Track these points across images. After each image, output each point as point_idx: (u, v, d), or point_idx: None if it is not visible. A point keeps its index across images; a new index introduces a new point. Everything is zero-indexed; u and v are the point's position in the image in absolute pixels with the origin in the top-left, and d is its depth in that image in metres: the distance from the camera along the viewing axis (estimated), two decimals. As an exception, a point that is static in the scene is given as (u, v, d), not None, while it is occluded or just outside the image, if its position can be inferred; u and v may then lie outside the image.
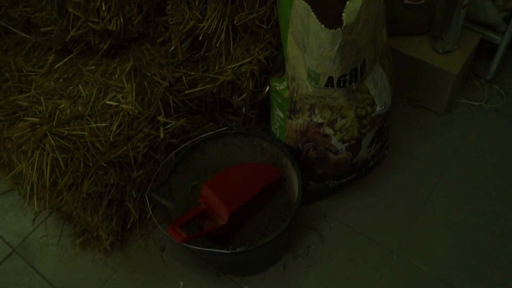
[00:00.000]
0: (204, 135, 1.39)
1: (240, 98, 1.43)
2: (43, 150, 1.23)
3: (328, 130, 1.25)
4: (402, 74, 1.64)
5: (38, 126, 1.26)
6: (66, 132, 1.25)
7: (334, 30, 0.97)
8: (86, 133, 1.25)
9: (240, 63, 1.37)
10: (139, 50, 1.40)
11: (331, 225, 1.47)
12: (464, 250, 1.40)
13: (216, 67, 1.38)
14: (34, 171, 1.23)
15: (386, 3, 1.52)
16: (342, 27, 0.97)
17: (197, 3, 1.23)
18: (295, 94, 1.20)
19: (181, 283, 1.41)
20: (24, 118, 1.28)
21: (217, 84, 1.38)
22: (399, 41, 1.61)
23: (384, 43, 1.20)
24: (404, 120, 1.67)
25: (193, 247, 1.20)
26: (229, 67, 1.37)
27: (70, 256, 1.48)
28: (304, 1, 1.00)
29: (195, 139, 1.39)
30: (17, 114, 1.29)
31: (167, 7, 1.29)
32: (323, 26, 0.98)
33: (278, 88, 1.26)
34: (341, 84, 1.10)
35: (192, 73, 1.38)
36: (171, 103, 1.37)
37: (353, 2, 0.99)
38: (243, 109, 1.46)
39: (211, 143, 1.41)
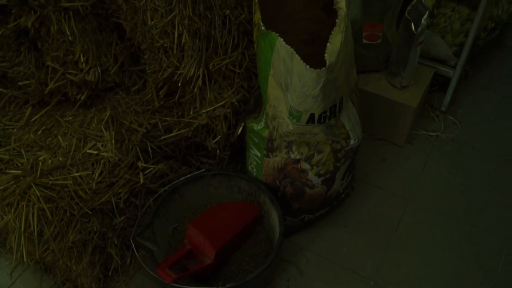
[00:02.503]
0: (184, 177, 1.43)
1: (214, 141, 1.49)
2: (29, 201, 1.24)
3: (305, 165, 1.33)
4: (363, 109, 1.74)
5: (21, 178, 1.27)
6: (50, 182, 1.27)
7: (318, 69, 1.05)
8: (69, 182, 1.27)
9: (214, 106, 1.43)
10: (115, 99, 1.45)
11: (308, 258, 1.53)
12: (436, 271, 1.48)
13: (191, 112, 1.44)
14: (22, 222, 1.23)
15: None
16: (326, 66, 1.06)
17: (174, 51, 1.29)
18: (275, 133, 1.27)
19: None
20: (6, 171, 1.29)
21: (192, 128, 1.44)
22: (359, 79, 1.72)
23: (355, 79, 1.30)
24: (367, 153, 1.77)
25: (184, 286, 1.23)
26: (204, 111, 1.43)
27: (51, 307, 1.47)
28: (286, 45, 1.08)
29: (174, 182, 1.43)
30: (-2, 168, 1.30)
31: (145, 56, 1.35)
32: (307, 66, 1.06)
33: (255, 128, 1.33)
34: (321, 120, 1.18)
35: (168, 118, 1.43)
36: (149, 149, 1.41)
37: (333, 44, 1.08)
38: (217, 152, 1.52)
39: (190, 185, 1.45)
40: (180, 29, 1.27)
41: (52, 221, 1.25)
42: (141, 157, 1.39)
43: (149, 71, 1.36)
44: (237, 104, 1.45)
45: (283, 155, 1.32)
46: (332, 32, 1.08)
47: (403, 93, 1.67)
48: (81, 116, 1.41)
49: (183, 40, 1.27)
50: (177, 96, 1.44)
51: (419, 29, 1.50)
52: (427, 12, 1.50)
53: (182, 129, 1.45)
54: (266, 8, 1.28)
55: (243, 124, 1.47)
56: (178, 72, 1.31)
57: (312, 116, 1.15)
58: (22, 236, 1.24)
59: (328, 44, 1.07)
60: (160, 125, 1.44)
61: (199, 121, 1.43)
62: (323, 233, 1.58)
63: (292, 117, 1.18)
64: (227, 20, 1.35)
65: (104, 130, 1.36)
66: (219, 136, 1.49)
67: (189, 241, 1.32)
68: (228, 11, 1.33)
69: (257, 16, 1.19)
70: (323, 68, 1.05)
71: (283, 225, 1.33)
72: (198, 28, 1.28)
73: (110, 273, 1.48)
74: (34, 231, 1.23)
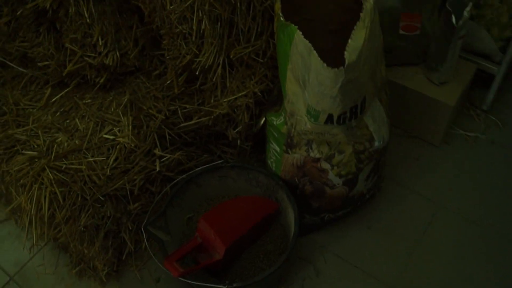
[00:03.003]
0: (201, 167, 1.39)
1: (235, 130, 1.44)
2: (42, 184, 1.24)
3: (325, 165, 1.26)
4: (397, 104, 1.64)
5: (36, 159, 1.27)
6: (64, 166, 1.26)
7: (336, 69, 0.98)
8: (83, 166, 1.26)
9: (236, 96, 1.38)
10: (135, 83, 1.42)
11: (326, 258, 1.47)
12: (464, 283, 1.39)
13: (212, 100, 1.39)
14: (33, 204, 1.23)
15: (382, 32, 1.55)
16: (345, 65, 0.98)
17: (193, 38, 1.24)
18: (293, 130, 1.21)
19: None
20: (23, 151, 1.29)
21: (212, 117, 1.39)
22: (394, 72, 1.62)
23: (383, 77, 1.21)
24: (399, 151, 1.67)
25: (190, 281, 1.21)
26: (225, 100, 1.38)
27: (66, 285, 1.48)
28: (305, 39, 1.01)
29: (191, 171, 1.39)
30: (15, 148, 1.30)
31: (164, 42, 1.30)
32: (325, 64, 0.98)
33: (275, 123, 1.27)
34: (341, 121, 1.10)
35: (187, 106, 1.39)
36: (167, 136, 1.38)
37: (355, 40, 1.00)
38: (238, 142, 1.47)
39: (207, 175, 1.41)
40: (200, 15, 1.21)
41: (64, 205, 1.24)
42: (158, 144, 1.36)
43: (167, 57, 1.31)
44: (260, 94, 1.39)
45: (302, 153, 1.25)
46: (355, 26, 0.99)
47: (441, 90, 1.56)
48: (100, 99, 1.39)
49: (202, 27, 1.22)
50: (198, 83, 1.39)
51: (461, 22, 1.38)
52: (470, 3, 1.38)
53: (203, 117, 1.41)
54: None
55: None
56: (197, 60, 1.26)
57: (330, 116, 1.08)
58: (34, 218, 1.24)
59: (349, 40, 0.99)
60: (179, 112, 1.40)
61: (219, 110, 1.38)
62: (344, 233, 1.51)
63: (309, 116, 1.11)
64: (251, 6, 1.28)
65: (121, 115, 1.34)
66: (240, 127, 1.44)
67: (200, 235, 1.29)
68: (253, -4, 1.27)
69: (277, 5, 1.11)
70: (341, 67, 0.97)
71: (298, 225, 1.27)
72: (220, 14, 1.22)
73: (124, 257, 1.47)
74: (45, 214, 1.23)
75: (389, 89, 1.33)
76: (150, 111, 1.37)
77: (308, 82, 1.04)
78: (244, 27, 1.29)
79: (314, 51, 0.99)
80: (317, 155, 1.24)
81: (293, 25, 1.02)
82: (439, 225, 1.50)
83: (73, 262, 1.48)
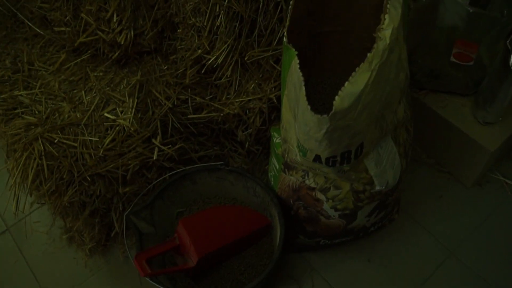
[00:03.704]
0: (196, 165, 1.33)
1: (245, 133, 1.35)
2: (31, 153, 1.22)
3: (320, 196, 1.15)
4: (434, 135, 1.48)
5: (33, 127, 1.25)
6: (57, 139, 1.23)
7: (319, 115, 0.86)
8: (76, 144, 1.23)
9: (249, 98, 1.28)
10: (150, 64, 1.35)
11: (315, 283, 1.38)
12: None
13: (224, 97, 1.31)
14: (19, 172, 1.22)
15: (431, 56, 1.38)
16: (330, 114, 0.86)
17: (206, 34, 1.15)
18: (286, 155, 1.10)
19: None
20: (23, 115, 1.27)
21: (221, 114, 1.31)
22: (438, 99, 1.45)
23: (399, 119, 1.07)
24: (425, 184, 1.52)
25: (155, 284, 1.17)
26: (237, 100, 1.29)
27: (56, 248, 1.49)
28: (299, 71, 0.89)
29: (188, 168, 1.33)
30: (16, 111, 1.28)
31: (178, 30, 1.22)
32: (309, 107, 0.87)
33: (275, 140, 1.17)
34: (330, 164, 0.99)
35: (197, 98, 1.31)
36: (171, 125, 1.31)
37: (353, 84, 0.86)
38: (246, 144, 1.38)
39: (204, 174, 1.35)
40: (217, 10, 1.11)
41: (51, 178, 1.23)
42: (160, 132, 1.30)
43: (179, 47, 1.23)
44: (275, 102, 1.28)
45: (298, 178, 1.15)
46: (357, 68, 0.86)
47: (485, 131, 1.38)
48: (111, 74, 1.34)
49: (217, 23, 1.12)
50: (214, 76, 1.30)
51: (518, 64, 1.19)
52: (534, 46, 1.18)
53: (213, 112, 1.33)
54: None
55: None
56: (207, 56, 1.17)
57: (318, 156, 0.97)
58: (17, 186, 1.24)
59: (346, 83, 0.85)
60: (189, 102, 1.32)
61: (229, 109, 1.29)
62: (341, 261, 1.41)
63: (299, 150, 1.00)
64: (279, 8, 1.16)
65: (127, 96, 1.28)
66: (251, 129, 1.35)
67: (178, 237, 1.24)
68: (283, -3, 1.15)
69: (287, 21, 0.99)
70: (325, 115, 0.85)
71: (279, 251, 1.19)
72: (239, 12, 1.11)
73: (112, 235, 1.46)
74: (28, 184, 1.22)
75: (413, 126, 1.19)
76: (159, 96, 1.30)
77: (297, 117, 0.93)
78: (266, 29, 1.18)
79: (304, 88, 0.87)
80: (312, 184, 1.13)
81: (293, 50, 0.90)
82: (445, 274, 1.36)
83: (66, 227, 1.49)
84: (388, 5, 0.89)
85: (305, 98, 0.87)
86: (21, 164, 1.21)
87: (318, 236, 1.31)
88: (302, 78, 0.87)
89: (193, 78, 1.31)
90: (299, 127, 0.94)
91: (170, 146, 1.31)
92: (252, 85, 1.28)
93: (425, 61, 1.41)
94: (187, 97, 1.31)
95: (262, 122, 1.33)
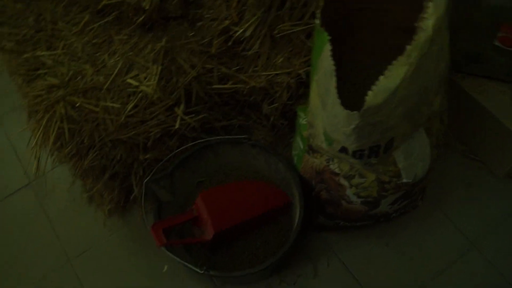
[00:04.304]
0: (219, 137, 1.30)
1: (271, 106, 1.31)
2: (53, 116, 1.21)
3: (343, 182, 1.11)
4: (468, 120, 1.42)
5: (55, 89, 1.23)
6: (79, 103, 1.21)
7: (349, 111, 0.80)
8: (98, 109, 1.21)
9: (277, 72, 1.23)
10: (176, 30, 1.29)
11: (330, 262, 1.37)
12: None
13: (250, 70, 1.26)
14: (41, 134, 1.21)
15: (472, 38, 1.29)
16: (361, 110, 0.80)
17: (235, 4, 1.09)
18: (311, 140, 1.06)
19: (165, 267, 1.39)
20: (45, 77, 1.25)
21: (247, 87, 1.26)
22: (477, 84, 1.36)
23: (435, 110, 1.01)
24: (454, 171, 1.46)
25: (170, 254, 1.17)
26: (264, 73, 1.24)
27: (76, 205, 1.51)
28: (331, 59, 0.83)
29: (210, 138, 1.30)
30: (39, 71, 1.25)
31: (206, -2, 1.16)
32: (339, 100, 0.81)
33: (300, 120, 1.13)
34: (357, 157, 0.94)
35: (223, 69, 1.26)
36: (195, 94, 1.28)
37: (389, 79, 0.79)
38: (271, 118, 1.34)
39: (227, 147, 1.32)
40: (248, -21, 1.05)
41: (71, 142, 1.22)
42: (183, 102, 1.26)
43: (206, 16, 1.17)
44: (304, 77, 1.23)
45: (322, 161, 1.11)
46: (394, 61, 0.80)
47: (522, 120, 1.31)
48: (136, 38, 1.29)
49: (247, -7, 1.06)
50: (241, 47, 1.25)
51: None
52: None
53: (239, 83, 1.28)
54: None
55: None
56: (234, 28, 1.11)
57: (344, 148, 0.92)
58: (39, 147, 1.23)
59: (380, 77, 0.79)
60: (215, 72, 1.28)
61: (255, 83, 1.25)
62: (359, 242, 1.38)
63: (325, 138, 0.96)
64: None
65: (151, 62, 1.25)
66: (277, 104, 1.30)
67: (196, 209, 1.22)
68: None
69: (321, 1, 0.92)
70: (355, 111, 0.79)
71: (296, 233, 1.17)
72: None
73: (131, 198, 1.46)
74: (48, 146, 1.21)
75: (447, 116, 1.13)
76: (184, 64, 1.26)
77: (326, 107, 0.88)
78: (299, 1, 1.11)
79: (335, 78, 0.81)
80: (336, 170, 1.09)
81: (326, 34, 0.84)
82: (464, 267, 1.33)
83: (87, 187, 1.50)
84: None
85: (335, 90, 0.81)
86: (42, 126, 1.20)
87: (338, 218, 1.28)
88: (333, 67, 0.82)
89: (220, 47, 1.26)
90: (327, 117, 0.89)
91: (193, 115, 1.28)
92: (281, 59, 1.22)
93: (465, 43, 1.33)
94: (212, 66, 1.27)
95: (289, 97, 1.28)
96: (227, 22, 1.13)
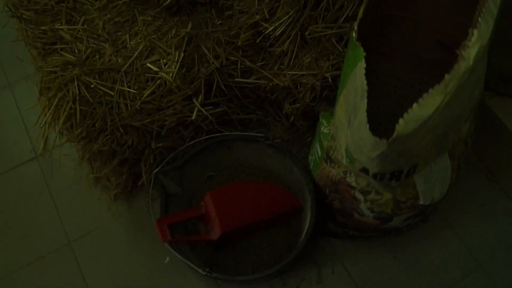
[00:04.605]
0: (235, 133, 1.26)
1: (292, 106, 1.27)
2: (65, 95, 1.16)
3: (358, 196, 1.08)
4: (491, 139, 1.37)
5: (71, 66, 1.19)
6: (94, 84, 1.17)
7: (377, 138, 0.76)
8: (113, 93, 1.16)
9: (303, 73, 1.18)
10: (203, 16, 1.24)
11: (335, 269, 1.34)
12: None
13: (276, 67, 1.21)
14: (51, 113, 1.17)
15: (506, 56, 1.24)
16: (390, 139, 0.76)
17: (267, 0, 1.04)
18: (331, 152, 1.02)
19: (167, 258, 1.37)
20: (61, 52, 1.20)
21: (270, 84, 1.22)
22: (504, 104, 1.31)
23: (462, 137, 0.97)
24: (469, 189, 1.41)
25: (173, 251, 1.14)
26: (289, 72, 1.19)
27: (81, 185, 1.47)
28: (364, 78, 0.78)
29: (226, 134, 1.27)
30: (55, 46, 1.21)
31: (237, -12, 1.11)
32: (368, 125, 0.77)
33: (322, 129, 1.09)
34: (378, 179, 0.91)
35: (247, 62, 1.22)
36: (216, 86, 1.23)
37: (422, 107, 0.74)
38: (291, 118, 1.30)
39: (241, 143, 1.28)
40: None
41: (82, 124, 1.18)
42: (202, 93, 1.22)
43: (236, 7, 1.12)
44: (330, 81, 1.18)
45: (339, 172, 1.08)
46: (430, 89, 0.74)
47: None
48: (160, 20, 1.24)
49: (281, -10, 1.01)
50: (268, 43, 1.20)
51: None
52: None
53: (262, 79, 1.24)
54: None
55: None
56: (265, 25, 1.06)
57: (366, 169, 0.88)
58: (47, 126, 1.19)
59: (414, 104, 0.74)
60: (238, 65, 1.23)
61: (278, 81, 1.20)
62: (366, 252, 1.36)
63: (346, 155, 0.92)
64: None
65: (173, 48, 1.20)
66: (299, 104, 1.26)
67: (204, 206, 1.19)
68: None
69: (360, 14, 0.87)
70: (384, 140, 0.75)
71: (305, 241, 1.14)
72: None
73: (139, 184, 1.42)
74: (57, 127, 1.17)
75: (472, 137, 1.09)
76: (207, 53, 1.21)
77: (352, 126, 0.84)
78: (334, 4, 1.06)
79: (365, 100, 0.77)
80: (353, 184, 1.06)
81: (362, 50, 0.79)
82: (469, 287, 1.31)
83: (94, 170, 1.46)
84: (479, 18, 0.76)
85: (365, 114, 0.77)
86: (53, 105, 1.16)
87: (348, 227, 1.25)
88: (366, 88, 0.77)
89: (247, 40, 1.21)
90: (351, 136, 0.85)
91: (211, 107, 1.24)
92: (308, 59, 1.18)
93: (499, 62, 1.28)
94: (237, 59, 1.22)
95: (312, 99, 1.24)
96: (257, 17, 1.08)
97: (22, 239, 1.40)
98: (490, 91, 1.34)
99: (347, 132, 0.88)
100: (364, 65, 0.78)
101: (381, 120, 1.13)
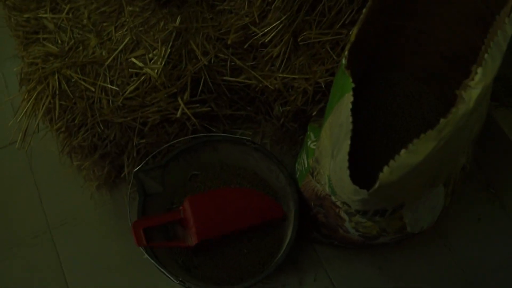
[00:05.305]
0: (222, 134, 1.20)
1: (283, 109, 1.20)
2: (45, 89, 1.11)
3: (343, 215, 1.02)
4: (492, 150, 1.31)
5: (52, 58, 1.13)
6: (75, 79, 1.11)
7: (356, 188, 0.70)
8: (94, 89, 1.11)
9: (295, 76, 1.12)
10: (194, 10, 1.17)
11: (317, 277, 1.30)
12: None
13: (267, 68, 1.14)
14: (30, 106, 1.12)
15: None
16: (370, 190, 0.69)
17: (258, 2, 0.96)
18: (315, 173, 0.96)
19: (145, 255, 1.34)
20: (44, 42, 1.14)
21: (260, 85, 1.15)
22: (509, 116, 1.25)
23: (457, 169, 0.90)
24: (465, 201, 1.36)
25: (148, 257, 1.11)
26: (280, 75, 1.12)
27: (65, 172, 1.43)
28: (350, 114, 0.70)
29: (212, 134, 1.21)
30: (38, 35, 1.15)
31: (229, -12, 1.03)
32: (348, 172, 0.70)
33: (309, 143, 1.02)
34: (360, 213, 0.85)
35: (237, 62, 1.15)
36: (203, 83, 1.17)
37: (411, 154, 0.67)
38: (281, 120, 1.24)
39: (228, 144, 1.22)
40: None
41: (62, 118, 1.13)
42: (188, 90, 1.16)
43: (226, 7, 1.04)
44: (323, 87, 1.11)
45: (325, 189, 1.02)
46: (422, 134, 0.67)
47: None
48: (149, 12, 1.17)
49: (273, -6, 0.93)
50: (260, 42, 1.13)
51: None
52: None
53: (252, 79, 1.17)
54: None
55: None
56: (254, 29, 0.99)
57: (347, 204, 0.83)
58: (26, 118, 1.14)
59: (402, 151, 0.67)
60: (228, 63, 1.17)
61: (269, 83, 1.14)
62: (351, 261, 1.31)
63: (328, 184, 0.86)
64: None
65: (160, 43, 1.13)
66: (289, 107, 1.20)
67: (183, 211, 1.15)
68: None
69: (352, 36, 0.79)
70: (364, 190, 0.69)
71: (285, 254, 1.10)
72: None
73: (122, 175, 1.38)
74: (36, 120, 1.12)
75: (471, 161, 1.02)
76: (196, 50, 1.15)
77: (335, 160, 0.77)
78: (331, 10, 0.98)
79: (348, 141, 0.70)
80: (338, 204, 1.00)
81: (350, 80, 0.72)
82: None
83: (74, 160, 1.42)
84: (486, 55, 0.67)
85: (346, 157, 0.70)
86: (33, 98, 1.11)
87: (333, 239, 1.21)
88: (350, 127, 0.70)
89: (237, 38, 1.14)
90: (333, 171, 0.79)
91: (198, 105, 1.18)
92: (302, 63, 1.11)
93: (506, 72, 1.20)
94: (226, 57, 1.15)
95: (304, 102, 1.17)
96: (247, 19, 1.00)
97: (1, 223, 1.38)
98: (496, 102, 1.27)
99: (330, 163, 0.82)
100: (351, 99, 0.71)
101: (375, 134, 1.07)
